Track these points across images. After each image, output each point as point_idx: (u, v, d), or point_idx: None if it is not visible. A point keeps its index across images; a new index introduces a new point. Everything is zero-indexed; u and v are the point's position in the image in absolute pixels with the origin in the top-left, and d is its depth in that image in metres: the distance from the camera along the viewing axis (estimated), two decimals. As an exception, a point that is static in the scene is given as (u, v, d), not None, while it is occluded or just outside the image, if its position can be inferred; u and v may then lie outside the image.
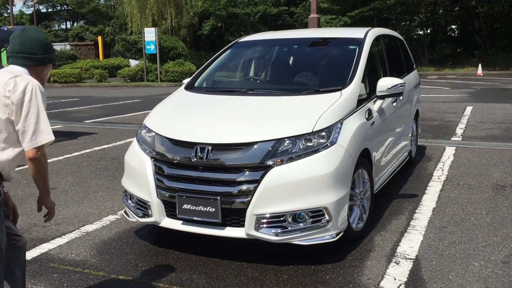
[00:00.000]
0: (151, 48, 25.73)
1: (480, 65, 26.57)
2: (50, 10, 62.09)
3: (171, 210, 3.74)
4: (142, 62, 26.76)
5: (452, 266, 3.56)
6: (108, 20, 46.22)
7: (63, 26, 64.36)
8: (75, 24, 61.52)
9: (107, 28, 45.64)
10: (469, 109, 12.11)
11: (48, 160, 7.42)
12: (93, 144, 8.63)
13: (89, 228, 4.52)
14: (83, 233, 4.39)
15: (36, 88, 2.37)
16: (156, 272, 3.58)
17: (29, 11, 59.74)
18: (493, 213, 4.67)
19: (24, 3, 63.06)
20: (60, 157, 7.59)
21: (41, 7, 59.46)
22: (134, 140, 4.21)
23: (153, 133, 3.99)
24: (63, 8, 60.80)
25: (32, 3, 54.90)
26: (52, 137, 2.37)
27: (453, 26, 35.75)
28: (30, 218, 4.82)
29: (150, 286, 3.35)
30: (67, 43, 45.18)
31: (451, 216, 4.59)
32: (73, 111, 14.10)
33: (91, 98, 18.45)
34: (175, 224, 3.73)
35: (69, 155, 7.71)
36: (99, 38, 39.89)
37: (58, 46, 41.43)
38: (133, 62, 29.84)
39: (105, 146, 8.48)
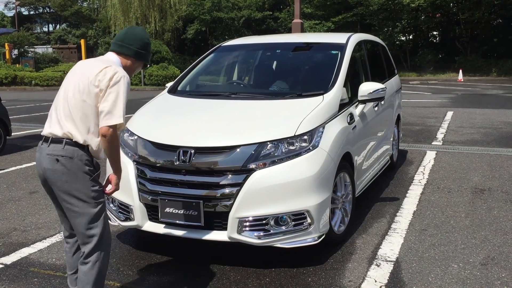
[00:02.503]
0: (135, 51, 25.59)
1: (461, 70, 26.99)
2: (32, 12, 61.35)
3: (153, 214, 3.73)
4: (126, 65, 26.60)
5: (432, 268, 3.61)
6: (91, 23, 45.82)
7: (45, 29, 63.66)
8: (58, 27, 60.87)
9: (90, 31, 45.23)
10: (449, 114, 12.30)
11: (29, 164, 7.38)
12: (75, 148, 8.53)
13: (71, 232, 4.47)
14: (64, 237, 4.35)
15: (122, 78, 2.63)
16: (138, 276, 3.57)
17: (11, 13, 58.98)
18: (472, 216, 4.75)
19: (5, 5, 62.10)
20: (41, 161, 7.50)
21: (23, 9, 58.77)
22: (117, 143, 4.19)
23: (136, 137, 3.98)
24: (45, 11, 60.14)
25: (14, 5, 54.24)
26: (121, 121, 2.61)
27: (435, 32, 36.27)
28: (10, 222, 4.76)
29: (132, 290, 3.34)
30: (49, 46, 44.71)
31: (431, 219, 4.66)
32: (55, 115, 13.94)
33: (73, 101, 18.23)
34: (157, 228, 3.72)
35: (50, 159, 7.62)
36: (82, 41, 39.55)
37: (40, 49, 41.00)
38: (116, 66, 29.58)
39: (87, 149, 8.39)
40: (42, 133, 2.76)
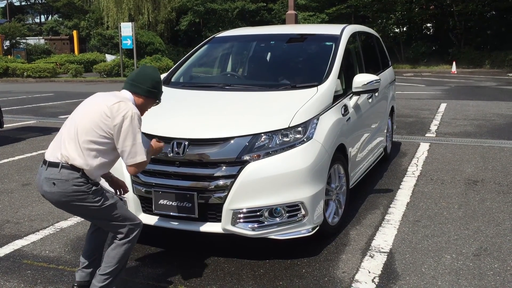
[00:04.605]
0: (128, 43, 25.42)
1: (454, 63, 27.03)
2: (23, 3, 60.70)
3: (147, 206, 3.72)
4: (119, 57, 26.45)
5: (425, 259, 3.63)
6: (84, 14, 45.32)
7: (37, 20, 63.04)
8: (50, 17, 60.29)
9: (82, 22, 44.75)
10: (443, 106, 12.33)
11: (22, 156, 7.34)
12: (68, 140, 8.48)
13: (64, 224, 4.46)
14: (58, 230, 4.33)
15: (134, 116, 2.77)
16: (132, 267, 3.56)
17: (2, 4, 58.38)
18: (465, 207, 4.77)
19: (-4, -4, 61.42)
20: (34, 153, 7.46)
21: (14, 0, 58.17)
22: (110, 135, 4.16)
23: (129, 128, 3.95)
24: (37, 1, 59.52)
25: (5, -4, 53.57)
26: (144, 158, 2.81)
27: (429, 24, 36.25)
28: (2, 215, 4.73)
29: (126, 281, 3.32)
30: (41, 37, 44.29)
31: (425, 211, 4.68)
32: (48, 106, 13.87)
33: (66, 93, 18.16)
34: (151, 220, 3.71)
35: (43, 151, 7.58)
36: (74, 33, 39.24)
37: (32, 40, 40.61)
38: (109, 57, 29.45)
39: (81, 141, 8.35)
40: (44, 156, 2.88)
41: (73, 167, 2.73)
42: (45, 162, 2.82)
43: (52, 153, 2.81)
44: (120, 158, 2.89)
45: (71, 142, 2.76)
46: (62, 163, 2.74)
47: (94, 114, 2.77)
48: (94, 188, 2.79)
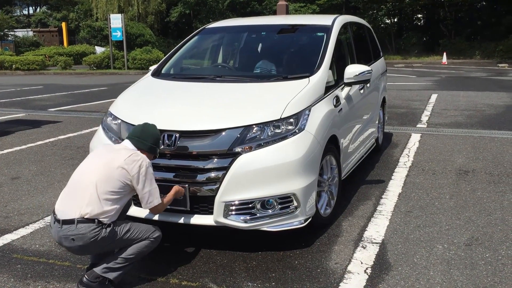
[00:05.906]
0: (118, 35, 25.19)
1: (445, 53, 27.14)
2: (11, -6, 59.87)
3: (138, 199, 3.67)
4: (108, 49, 26.21)
5: (417, 249, 3.64)
6: (72, 5, 44.81)
7: (25, 12, 62.28)
8: (38, 9, 59.57)
9: (71, 14, 44.27)
10: (434, 97, 12.37)
11: (11, 149, 7.27)
12: (57, 133, 8.42)
13: (54, 218, 4.41)
14: (47, 223, 4.29)
15: (148, 165, 3.10)
16: (123, 261, 3.53)
17: (-11, -5, 57.44)
18: (456, 197, 4.79)
19: (-17, -13, 60.46)
20: (23, 146, 7.38)
21: (1, -9, 57.25)
22: (100, 128, 4.12)
23: (119, 121, 3.91)
24: (25, -7, 58.75)
25: (-8, -13, 52.72)
26: (159, 201, 3.17)
27: (419, 15, 36.32)
28: (-9, 209, 4.68)
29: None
30: (30, 29, 43.79)
31: (416, 201, 4.69)
32: (37, 99, 13.72)
33: (55, 86, 17.98)
34: (142, 213, 3.67)
35: (32, 144, 7.51)
36: (63, 25, 38.80)
37: (20, 32, 40.15)
38: (99, 49, 29.21)
39: (70, 134, 8.29)
40: (54, 212, 3.01)
41: (88, 219, 2.89)
42: (58, 220, 2.93)
43: (65, 210, 2.95)
44: None
45: (90, 195, 2.93)
46: (77, 218, 2.89)
47: (110, 168, 2.99)
48: (109, 229, 2.95)
